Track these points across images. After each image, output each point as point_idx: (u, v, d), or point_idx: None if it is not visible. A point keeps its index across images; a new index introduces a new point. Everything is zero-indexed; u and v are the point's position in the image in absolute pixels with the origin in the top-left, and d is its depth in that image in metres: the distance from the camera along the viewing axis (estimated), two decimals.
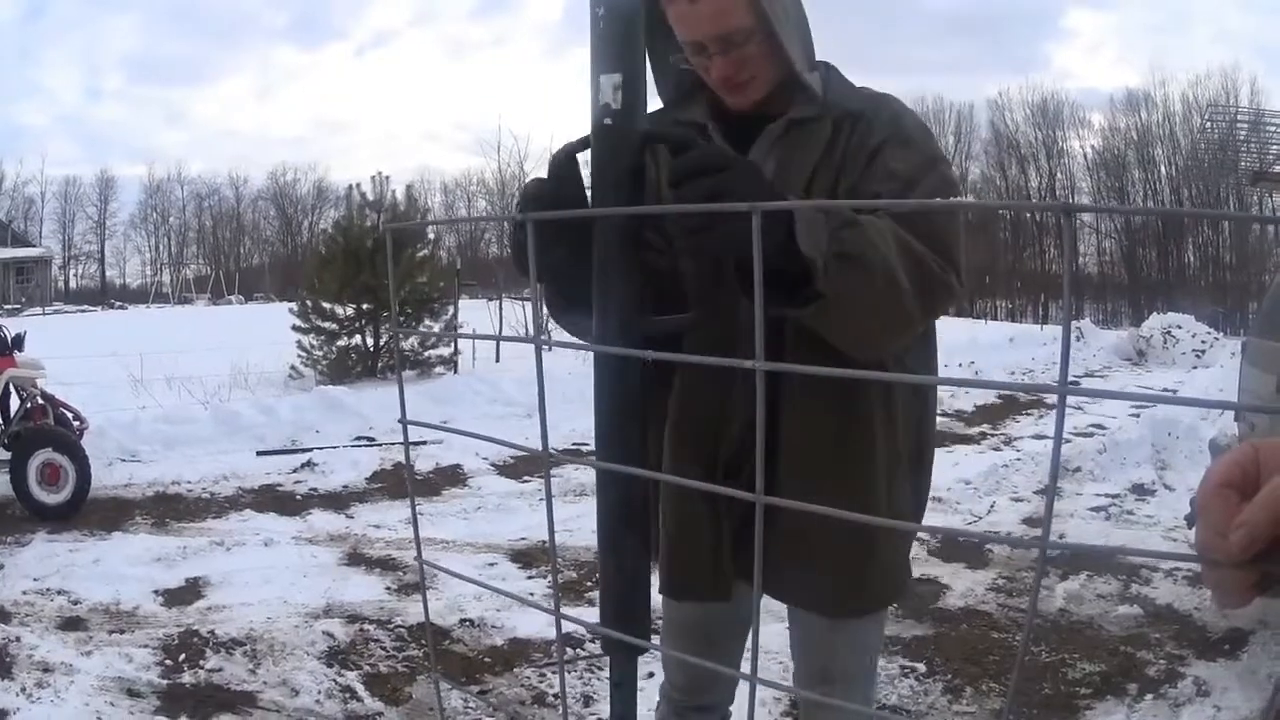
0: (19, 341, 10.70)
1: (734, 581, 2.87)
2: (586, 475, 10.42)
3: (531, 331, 1.18)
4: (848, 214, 2.29)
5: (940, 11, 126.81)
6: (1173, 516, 9.91)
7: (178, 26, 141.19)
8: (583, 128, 1.74)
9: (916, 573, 4.79)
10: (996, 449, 14.05)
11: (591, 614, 1.98)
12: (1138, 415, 14.77)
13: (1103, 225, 76.02)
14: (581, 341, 2.24)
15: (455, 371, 20.78)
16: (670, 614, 3.17)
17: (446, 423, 13.96)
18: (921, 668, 6.47)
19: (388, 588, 8.06)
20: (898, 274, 2.31)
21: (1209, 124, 39.49)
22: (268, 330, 21.95)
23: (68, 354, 16.99)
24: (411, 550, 8.58)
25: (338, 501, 11.09)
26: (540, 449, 1.10)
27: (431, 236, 23.50)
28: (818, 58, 2.75)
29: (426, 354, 20.98)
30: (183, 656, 6.58)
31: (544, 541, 8.98)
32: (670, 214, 2.39)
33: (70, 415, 11.15)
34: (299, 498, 11.28)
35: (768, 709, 5.87)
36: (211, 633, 6.95)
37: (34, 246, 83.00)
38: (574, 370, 13.64)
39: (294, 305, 21.51)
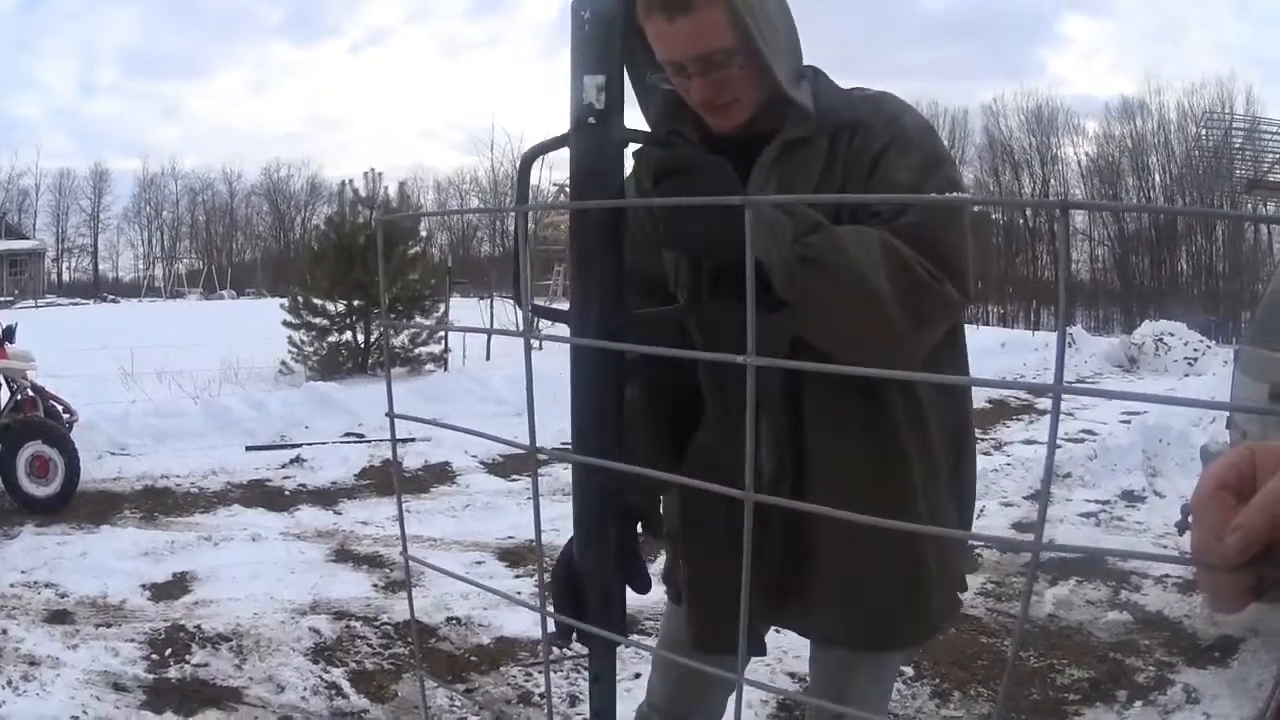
0: (10, 333, 10.68)
1: (767, 631, 2.85)
2: None
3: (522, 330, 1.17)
4: (816, 218, 2.28)
5: (935, 16, 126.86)
6: (1163, 523, 9.91)
7: (174, 20, 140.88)
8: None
9: None
10: (986, 454, 14.00)
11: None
12: (1129, 421, 14.79)
13: (1096, 232, 76.12)
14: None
15: (445, 369, 20.77)
16: (670, 610, 3.14)
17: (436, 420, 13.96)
18: (909, 671, 6.45)
19: (375, 585, 8.06)
20: (871, 278, 2.27)
21: (1204, 132, 39.52)
22: (259, 325, 21.96)
23: (59, 347, 16.98)
24: (398, 547, 8.57)
25: (326, 498, 11.09)
26: (528, 445, 1.09)
27: (424, 234, 23.49)
28: (809, 61, 2.69)
29: (417, 351, 20.93)
30: (169, 651, 6.57)
31: (531, 540, 8.97)
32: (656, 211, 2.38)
33: (60, 408, 11.16)
34: (287, 493, 11.28)
35: (754, 711, 5.87)
36: (198, 627, 6.94)
37: (27, 239, 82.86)
38: (565, 369, 13.62)
39: (285, 301, 21.50)
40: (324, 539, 9.40)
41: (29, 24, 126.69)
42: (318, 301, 20.67)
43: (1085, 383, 25.55)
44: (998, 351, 27.55)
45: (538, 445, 1.08)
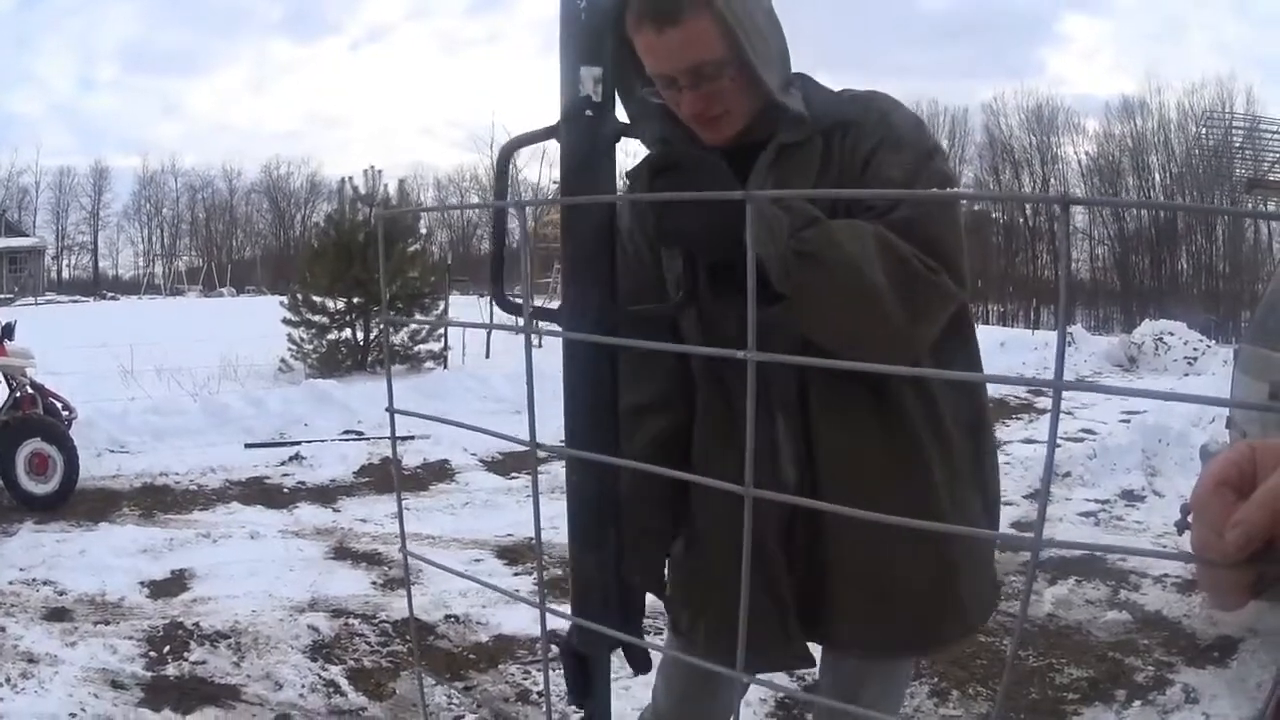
0: (9, 331, 10.68)
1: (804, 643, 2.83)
2: None
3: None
4: (812, 213, 2.28)
5: (935, 15, 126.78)
6: (1162, 523, 9.90)
7: (173, 16, 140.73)
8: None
9: None
10: None
11: None
12: (1128, 421, 14.79)
13: (1096, 231, 76.11)
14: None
15: (445, 367, 20.78)
16: (673, 669, 3.11)
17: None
18: None
19: (373, 582, 8.05)
20: (867, 272, 2.27)
21: (1204, 131, 39.47)
22: (258, 323, 21.94)
23: (58, 344, 16.96)
24: (398, 545, 8.59)
25: (325, 495, 11.09)
26: (528, 441, 1.09)
27: (424, 231, 23.50)
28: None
29: (416, 349, 20.94)
30: (167, 648, 6.57)
31: (531, 538, 8.97)
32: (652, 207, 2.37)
33: (59, 405, 11.14)
34: (286, 491, 11.28)
35: (752, 710, 5.86)
36: (196, 625, 6.94)
37: (27, 236, 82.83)
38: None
39: (285, 298, 21.52)
40: (323, 536, 9.40)
41: (29, 20, 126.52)
42: (317, 299, 20.71)
43: (1084, 382, 25.55)
44: (997, 350, 27.50)
45: (538, 442, 1.07)
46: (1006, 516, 10.32)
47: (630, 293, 2.27)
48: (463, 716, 5.89)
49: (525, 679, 6.38)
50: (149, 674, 6.20)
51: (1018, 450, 14.29)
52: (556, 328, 1.75)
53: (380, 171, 22.01)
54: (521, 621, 7.10)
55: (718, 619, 2.79)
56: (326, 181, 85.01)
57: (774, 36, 2.53)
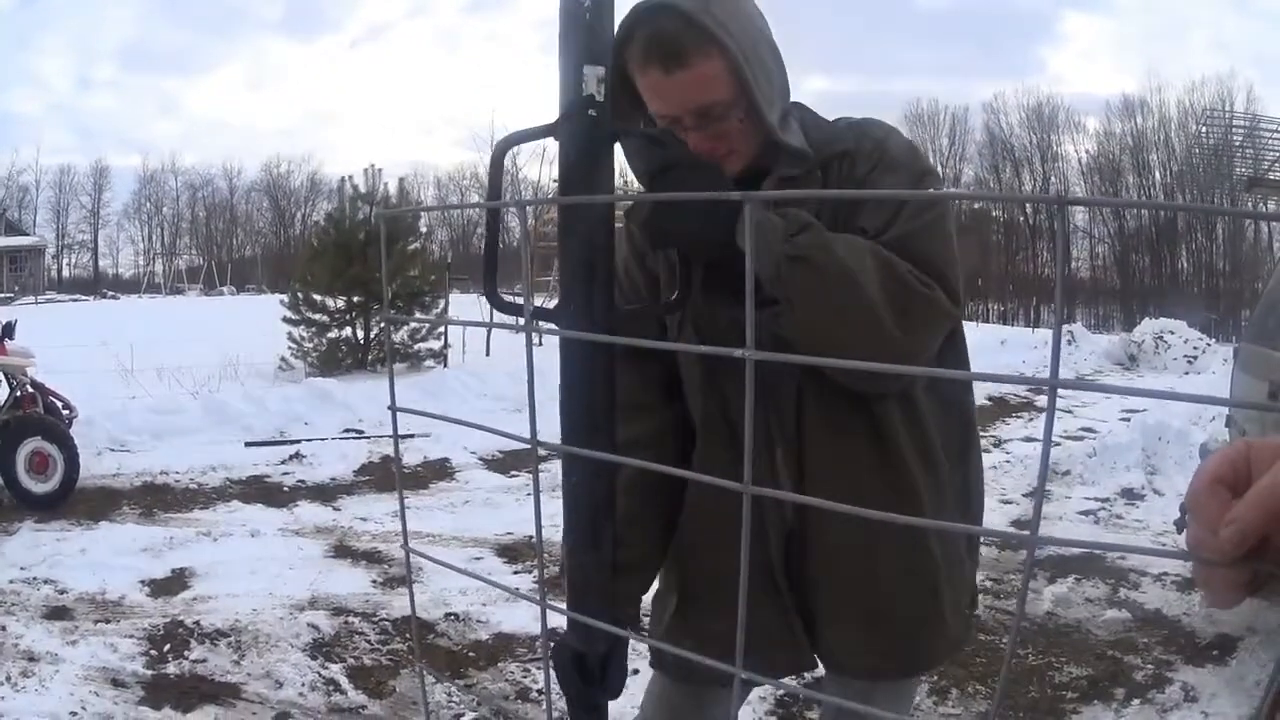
0: (10, 330, 10.68)
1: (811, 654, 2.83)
2: None
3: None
4: (806, 218, 2.28)
5: (936, 14, 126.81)
6: (1162, 521, 9.91)
7: (172, 15, 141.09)
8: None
9: None
10: (985, 451, 13.91)
11: None
12: (1128, 419, 14.79)
13: (1096, 230, 76.17)
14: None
15: (445, 365, 20.79)
16: (661, 689, 3.07)
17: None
18: None
19: (373, 581, 8.06)
20: (859, 279, 2.27)
21: (1204, 129, 39.43)
22: (258, 321, 21.96)
23: (59, 343, 16.95)
24: (397, 543, 8.56)
25: (325, 493, 11.10)
26: (529, 439, 1.09)
27: (424, 229, 23.52)
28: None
29: (416, 347, 20.97)
30: (168, 647, 6.57)
31: (530, 537, 8.97)
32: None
33: (60, 404, 11.14)
34: (286, 489, 11.29)
35: (752, 708, 5.87)
36: (197, 623, 6.94)
37: (28, 235, 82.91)
38: None
39: (285, 297, 21.53)
40: (323, 535, 9.41)
41: (28, 20, 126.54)
42: (317, 297, 20.72)
43: (1084, 380, 25.53)
44: (997, 349, 27.54)
45: (538, 439, 1.08)
46: (1006, 514, 10.35)
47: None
48: (463, 714, 5.90)
49: (525, 677, 6.39)
50: (149, 672, 6.21)
51: (1017, 448, 14.29)
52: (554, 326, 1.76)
53: (380, 170, 22.06)
54: (522, 620, 7.10)
55: (719, 634, 2.72)
56: (327, 180, 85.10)
57: (777, 71, 2.51)
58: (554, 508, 1.88)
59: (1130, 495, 11.29)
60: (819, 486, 2.61)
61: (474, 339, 23.21)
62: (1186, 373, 26.35)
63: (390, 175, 24.20)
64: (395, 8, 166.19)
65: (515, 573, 8.39)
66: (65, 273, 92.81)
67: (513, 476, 11.98)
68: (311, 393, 15.53)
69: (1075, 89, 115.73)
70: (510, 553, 8.89)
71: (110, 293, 75.83)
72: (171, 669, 6.28)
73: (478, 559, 8.69)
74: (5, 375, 10.55)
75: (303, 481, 11.62)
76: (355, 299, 20.51)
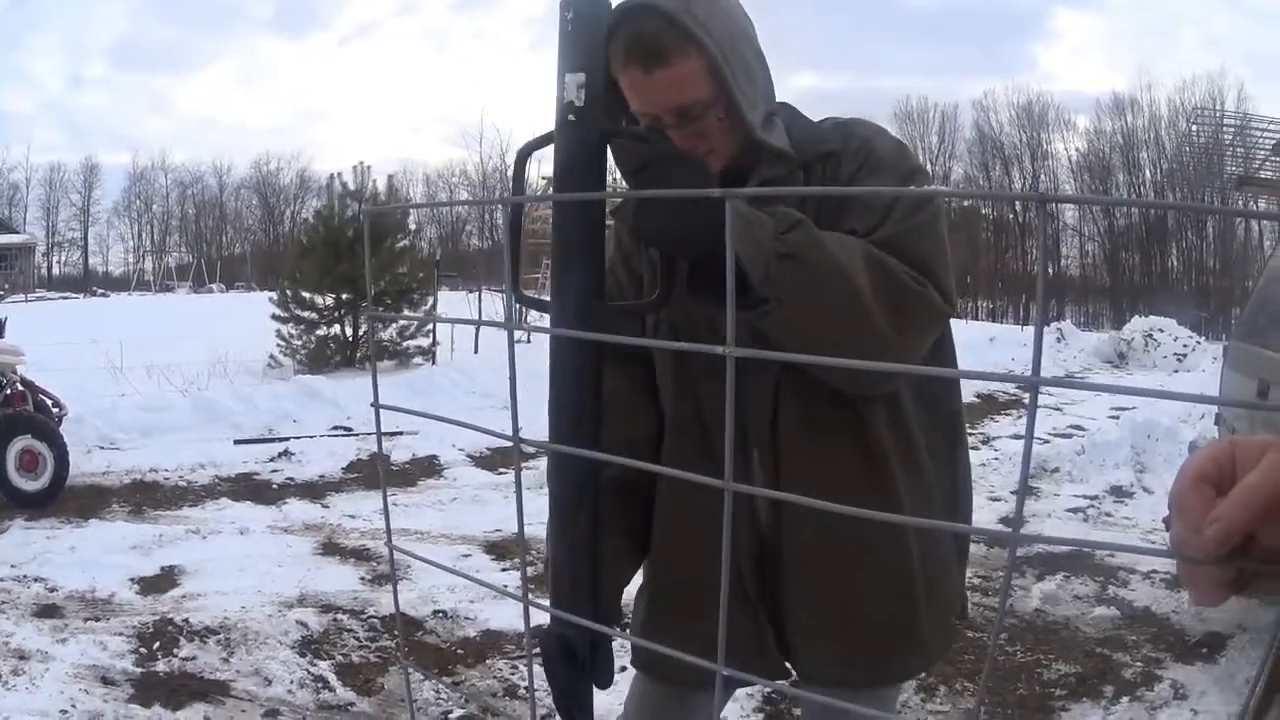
0: (0, 327, 10.69)
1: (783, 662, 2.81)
2: None
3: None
4: (797, 216, 2.25)
5: (925, 11, 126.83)
6: (1151, 519, 9.94)
7: (162, 13, 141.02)
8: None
9: None
10: (974, 448, 13.96)
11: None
12: (1117, 417, 14.81)
13: (1086, 228, 76.31)
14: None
15: (433, 363, 20.78)
16: (643, 689, 3.06)
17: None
18: None
19: (362, 578, 8.06)
20: (851, 277, 2.23)
21: (1194, 128, 39.48)
22: (247, 319, 21.96)
23: (48, 340, 16.95)
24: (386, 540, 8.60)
25: (313, 491, 11.11)
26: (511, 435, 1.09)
27: (413, 227, 23.50)
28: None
29: (405, 345, 20.99)
30: (157, 645, 6.58)
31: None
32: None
33: (50, 402, 11.13)
34: (275, 487, 11.30)
35: (739, 704, 5.88)
36: (186, 621, 6.95)
37: (18, 233, 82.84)
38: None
39: (274, 294, 21.54)
40: (311, 532, 9.41)
41: (19, 18, 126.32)
42: (306, 295, 20.72)
43: (1073, 378, 25.57)
44: (986, 346, 27.54)
45: (521, 436, 1.08)
46: (995, 511, 10.37)
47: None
48: (450, 711, 5.90)
49: (513, 674, 6.39)
50: (139, 670, 6.21)
51: (1006, 446, 14.31)
52: (542, 322, 1.77)
53: (369, 167, 22.06)
54: (509, 617, 7.11)
55: (696, 635, 2.75)
56: (316, 177, 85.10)
57: (759, 71, 2.50)
58: (539, 505, 1.88)
59: (1119, 493, 11.31)
60: (796, 490, 2.57)
61: (463, 337, 23.19)
62: (1176, 371, 26.40)
63: (379, 173, 24.28)
64: (384, 6, 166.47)
65: (503, 570, 8.40)
66: (55, 271, 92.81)
67: (501, 474, 11.98)
68: (300, 390, 15.52)
69: (1066, 86, 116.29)
70: (498, 550, 8.89)
71: (100, 290, 75.84)
72: (161, 667, 6.29)
73: (466, 556, 8.70)
74: None
75: (291, 479, 11.62)
76: (344, 296, 20.52)
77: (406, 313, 21.76)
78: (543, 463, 2.10)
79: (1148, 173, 74.53)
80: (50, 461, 10.10)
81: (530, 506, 1.22)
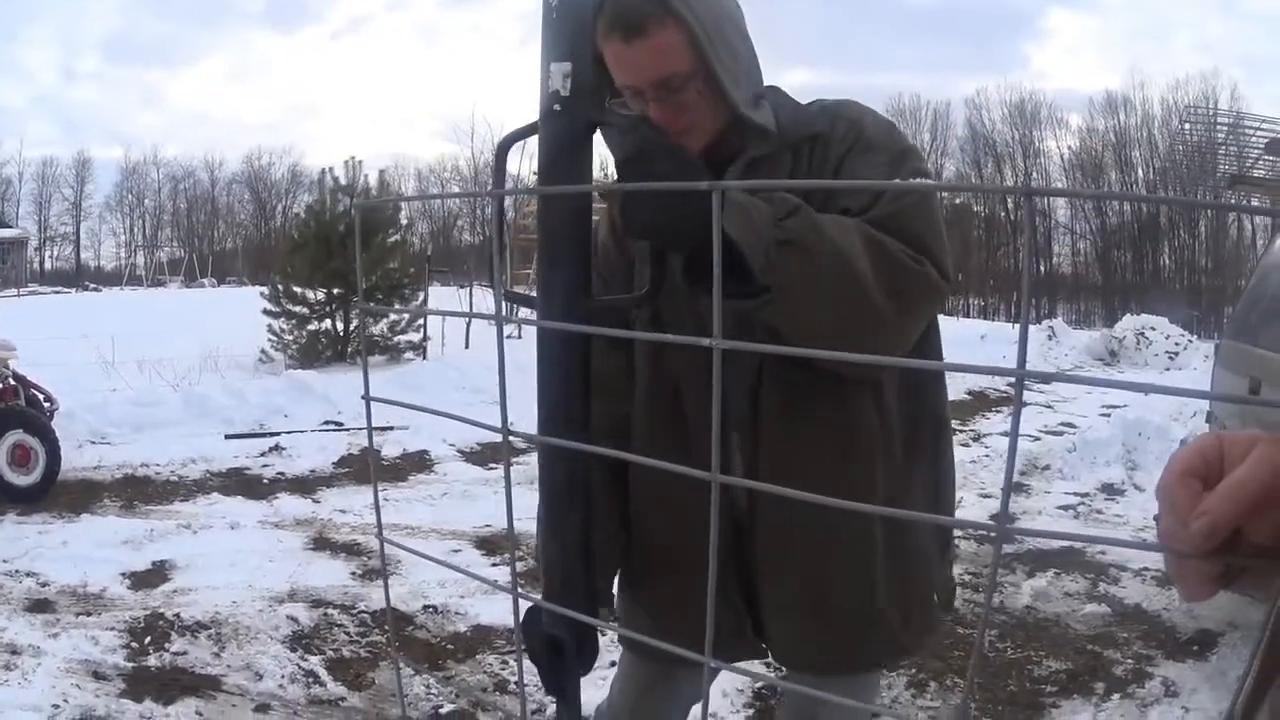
0: None
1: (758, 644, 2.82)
2: None
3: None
4: (794, 202, 2.23)
5: (919, 8, 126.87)
6: (1142, 516, 9.95)
7: (155, 7, 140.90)
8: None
9: None
10: (965, 445, 13.98)
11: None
12: (1108, 415, 14.82)
13: (1078, 226, 76.42)
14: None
15: (425, 358, 20.76)
16: (630, 669, 3.10)
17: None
18: None
19: (352, 573, 8.06)
20: (852, 260, 2.22)
21: (1187, 126, 39.47)
22: (239, 314, 21.96)
23: (40, 335, 16.93)
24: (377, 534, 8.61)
25: (304, 486, 11.10)
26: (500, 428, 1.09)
27: (404, 221, 23.51)
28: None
29: (396, 339, 21.00)
30: (148, 639, 6.57)
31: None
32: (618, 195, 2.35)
33: (41, 396, 11.12)
34: (266, 482, 11.29)
35: (729, 700, 5.88)
36: (177, 616, 6.94)
37: (10, 227, 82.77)
38: None
39: (265, 289, 21.53)
40: (302, 527, 9.40)
41: (12, 12, 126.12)
42: (297, 290, 20.72)
43: (1052, 372, 25.54)
44: (977, 343, 27.53)
45: (509, 430, 1.08)
46: (985, 508, 10.37)
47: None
48: (441, 706, 5.90)
49: (503, 669, 6.40)
50: (130, 665, 6.20)
51: (997, 443, 14.34)
52: (533, 316, 1.76)
53: (361, 162, 22.04)
54: (499, 612, 7.11)
55: (678, 618, 2.71)
56: (308, 172, 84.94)
57: (744, 51, 2.50)
58: (530, 500, 1.89)
59: (1110, 490, 11.32)
60: (772, 474, 2.56)
61: (454, 331, 23.19)
62: (1168, 369, 26.45)
63: (371, 167, 24.31)
64: (375, 0, 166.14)
65: (493, 565, 8.40)
66: (48, 265, 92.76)
67: (491, 469, 11.99)
68: (291, 385, 15.52)
69: (1058, 85, 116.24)
70: (488, 545, 8.89)
71: (92, 285, 75.74)
72: (152, 661, 6.28)
73: (456, 551, 8.69)
74: None
75: (282, 474, 11.62)
76: (335, 291, 20.49)
77: (400, 306, 21.76)
78: (533, 459, 2.10)
79: (1140, 171, 74.62)
80: (42, 456, 10.09)
81: (520, 502, 1.22)
